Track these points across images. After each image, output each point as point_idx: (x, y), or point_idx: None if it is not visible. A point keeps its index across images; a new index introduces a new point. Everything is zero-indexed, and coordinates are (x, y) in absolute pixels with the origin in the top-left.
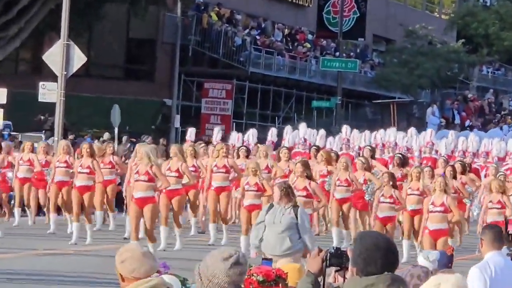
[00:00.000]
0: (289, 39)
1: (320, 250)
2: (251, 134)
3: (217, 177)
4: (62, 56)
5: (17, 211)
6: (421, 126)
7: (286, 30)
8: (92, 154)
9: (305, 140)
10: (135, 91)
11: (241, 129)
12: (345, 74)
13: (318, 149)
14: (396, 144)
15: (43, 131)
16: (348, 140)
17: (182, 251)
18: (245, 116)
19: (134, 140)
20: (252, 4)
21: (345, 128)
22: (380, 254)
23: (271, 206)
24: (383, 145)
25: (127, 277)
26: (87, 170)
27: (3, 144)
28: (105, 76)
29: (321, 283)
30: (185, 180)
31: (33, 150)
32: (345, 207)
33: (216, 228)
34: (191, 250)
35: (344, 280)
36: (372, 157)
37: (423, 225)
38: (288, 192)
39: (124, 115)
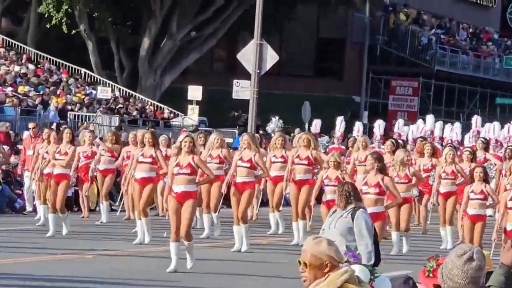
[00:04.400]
0: (473, 38)
1: None
2: (379, 125)
3: (299, 169)
4: (255, 55)
5: (103, 206)
6: None
7: (471, 29)
8: (154, 144)
9: (431, 132)
10: (325, 88)
11: None
12: None
13: (424, 140)
14: None
15: (237, 127)
16: (479, 132)
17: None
18: (430, 113)
19: (323, 135)
20: (438, 4)
21: (475, 119)
22: None
23: (334, 210)
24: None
25: (336, 264)
26: (150, 160)
27: (88, 134)
28: (296, 74)
29: None
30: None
31: (117, 141)
32: (450, 201)
33: (298, 227)
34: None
35: None
36: (486, 150)
37: None
38: (347, 195)
39: (314, 111)
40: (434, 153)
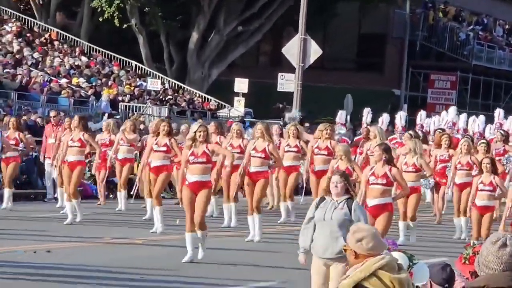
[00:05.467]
0: (509, 34)
1: None
2: (400, 116)
3: (319, 160)
4: (300, 49)
5: (121, 194)
6: None
7: (507, 26)
8: (169, 133)
9: (453, 124)
10: (366, 82)
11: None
12: None
13: (442, 132)
14: None
15: (281, 118)
16: (501, 124)
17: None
18: (468, 106)
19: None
20: (476, 2)
21: (498, 112)
22: None
23: (322, 199)
24: None
25: (362, 254)
26: (164, 149)
27: (104, 123)
28: (338, 68)
29: None
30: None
31: (135, 130)
32: (465, 192)
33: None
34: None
35: None
36: (505, 141)
37: None
38: (346, 184)
39: (356, 104)
40: (451, 144)
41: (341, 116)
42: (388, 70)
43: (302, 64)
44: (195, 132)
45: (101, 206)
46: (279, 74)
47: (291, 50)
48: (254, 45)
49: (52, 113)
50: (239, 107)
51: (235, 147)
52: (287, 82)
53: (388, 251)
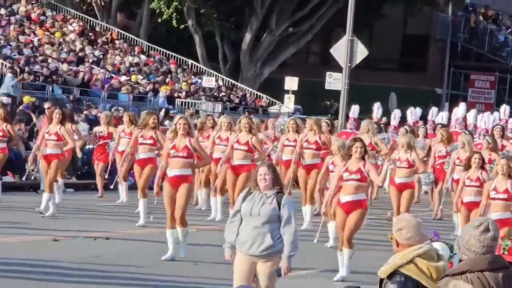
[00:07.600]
0: None
1: None
2: (411, 112)
3: (307, 154)
4: (347, 50)
5: (121, 187)
6: None
7: None
8: (156, 126)
9: (463, 119)
10: (409, 81)
11: None
12: None
13: (443, 127)
14: None
15: (329, 115)
16: (507, 121)
17: None
18: (506, 104)
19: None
20: None
21: (503, 108)
22: None
23: (249, 192)
24: None
25: (402, 243)
26: (151, 141)
27: (103, 115)
28: (383, 68)
29: None
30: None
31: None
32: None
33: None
34: None
35: None
36: (503, 137)
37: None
38: (275, 177)
39: (399, 102)
40: (450, 140)
41: (355, 111)
42: (430, 70)
43: (349, 64)
44: (175, 124)
45: (98, 198)
46: (327, 73)
47: (339, 50)
48: (304, 45)
49: (46, 105)
50: (289, 104)
51: (223, 139)
52: (335, 81)
53: (429, 242)
